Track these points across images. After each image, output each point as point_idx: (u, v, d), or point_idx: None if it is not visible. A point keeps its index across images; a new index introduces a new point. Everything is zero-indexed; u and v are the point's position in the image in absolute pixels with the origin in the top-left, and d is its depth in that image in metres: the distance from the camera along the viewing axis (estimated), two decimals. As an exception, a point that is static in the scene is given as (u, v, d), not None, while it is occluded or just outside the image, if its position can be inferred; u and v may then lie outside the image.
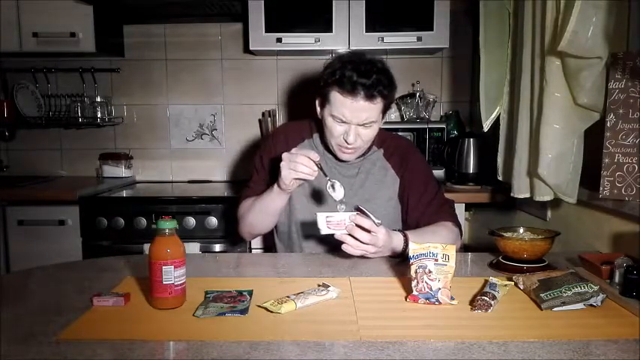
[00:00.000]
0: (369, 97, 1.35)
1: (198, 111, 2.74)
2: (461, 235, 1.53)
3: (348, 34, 2.32)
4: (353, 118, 1.37)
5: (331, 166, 1.53)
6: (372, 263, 1.31)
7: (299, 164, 1.30)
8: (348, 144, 1.41)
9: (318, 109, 1.48)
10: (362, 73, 1.34)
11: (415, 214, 1.51)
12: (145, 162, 2.77)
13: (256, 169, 1.60)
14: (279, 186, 1.38)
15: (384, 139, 1.57)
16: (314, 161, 1.31)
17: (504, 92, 1.83)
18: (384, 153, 1.56)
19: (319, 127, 1.53)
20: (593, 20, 1.31)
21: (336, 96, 1.37)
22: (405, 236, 1.34)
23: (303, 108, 2.58)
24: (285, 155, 1.33)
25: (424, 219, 1.49)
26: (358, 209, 1.25)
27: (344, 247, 1.25)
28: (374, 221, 1.23)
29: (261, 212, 1.49)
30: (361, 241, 1.23)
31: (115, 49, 2.63)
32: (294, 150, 1.35)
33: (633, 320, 0.95)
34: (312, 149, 1.55)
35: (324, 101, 1.42)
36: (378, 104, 1.38)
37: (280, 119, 2.72)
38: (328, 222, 1.24)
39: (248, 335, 0.87)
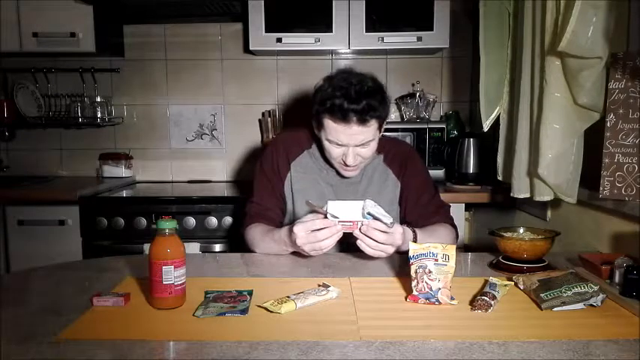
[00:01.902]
0: (362, 121, 1.35)
1: (198, 111, 2.74)
2: (457, 238, 1.55)
3: (348, 34, 2.31)
4: (349, 141, 1.38)
5: (333, 176, 1.54)
6: (372, 263, 1.31)
7: (321, 242, 1.23)
8: (347, 165, 1.42)
9: (316, 130, 1.47)
10: (352, 100, 1.32)
11: (413, 214, 1.52)
12: (145, 162, 2.77)
13: (259, 181, 1.57)
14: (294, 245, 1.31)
15: (383, 144, 1.56)
16: (328, 218, 1.22)
17: (504, 92, 1.83)
18: (384, 159, 1.57)
19: (315, 136, 1.52)
20: (593, 20, 1.31)
21: (329, 123, 1.38)
22: (414, 232, 1.36)
23: (304, 108, 2.57)
24: (301, 235, 1.24)
25: (422, 220, 1.50)
26: (370, 214, 1.23)
27: (361, 246, 1.24)
28: (386, 224, 1.22)
29: (276, 252, 1.43)
30: (379, 242, 1.23)
31: (115, 49, 2.63)
32: (307, 221, 1.25)
33: (633, 320, 0.95)
34: (312, 159, 1.55)
35: (319, 125, 1.42)
36: (372, 125, 1.38)
37: (280, 119, 2.72)
38: (342, 224, 1.22)
39: (248, 335, 0.87)
